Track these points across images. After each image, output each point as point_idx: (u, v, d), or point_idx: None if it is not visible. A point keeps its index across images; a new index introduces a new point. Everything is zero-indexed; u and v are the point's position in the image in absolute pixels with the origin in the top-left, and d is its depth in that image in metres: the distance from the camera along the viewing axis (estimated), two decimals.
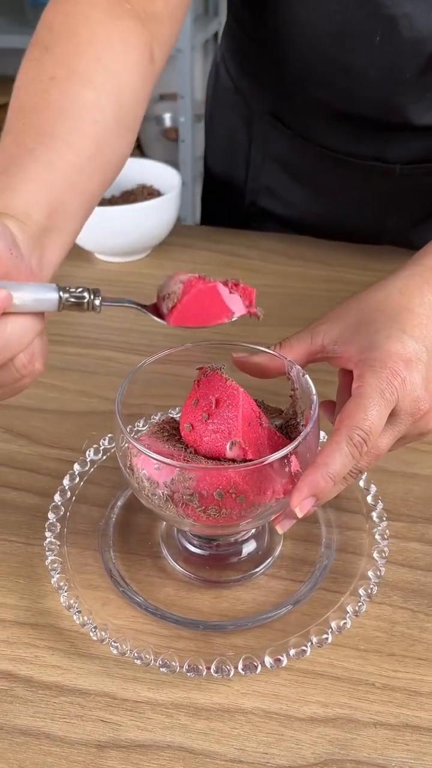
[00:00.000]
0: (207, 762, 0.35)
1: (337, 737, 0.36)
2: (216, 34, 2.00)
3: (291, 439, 0.41)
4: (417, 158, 0.66)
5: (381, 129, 0.65)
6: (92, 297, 0.38)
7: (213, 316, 0.40)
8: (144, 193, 0.78)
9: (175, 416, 0.49)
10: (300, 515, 0.36)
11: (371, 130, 0.65)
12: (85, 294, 0.38)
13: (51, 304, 0.36)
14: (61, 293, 0.37)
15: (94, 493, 0.48)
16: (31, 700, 0.38)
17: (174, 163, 1.88)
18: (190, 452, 0.40)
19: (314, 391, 0.39)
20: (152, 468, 0.39)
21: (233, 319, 0.40)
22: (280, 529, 0.40)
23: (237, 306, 0.40)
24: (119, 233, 0.73)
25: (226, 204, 0.85)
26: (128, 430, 0.41)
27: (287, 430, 0.42)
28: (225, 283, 0.41)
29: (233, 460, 0.39)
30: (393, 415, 0.37)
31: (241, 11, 0.70)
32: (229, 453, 0.39)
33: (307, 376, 0.40)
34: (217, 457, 0.39)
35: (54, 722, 0.37)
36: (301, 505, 0.36)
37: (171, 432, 0.43)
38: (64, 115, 0.43)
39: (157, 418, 0.51)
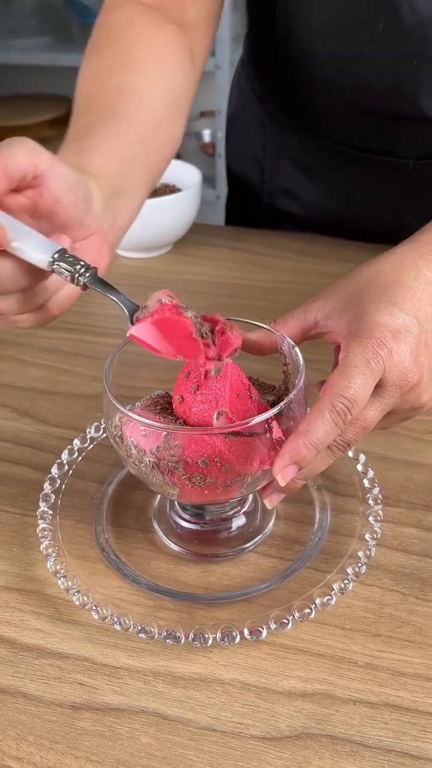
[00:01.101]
0: (179, 728, 0.35)
1: (314, 712, 0.35)
2: None
3: (283, 414, 0.41)
4: (429, 153, 0.66)
5: (393, 122, 0.64)
6: (81, 272, 0.38)
7: (168, 348, 0.38)
8: (167, 191, 0.80)
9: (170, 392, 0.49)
10: (282, 483, 0.36)
11: (383, 124, 0.65)
12: (74, 268, 0.38)
13: (41, 263, 0.37)
14: (55, 256, 0.37)
15: (92, 470, 0.49)
16: (12, 661, 0.38)
17: (211, 177, 1.91)
18: (180, 423, 0.40)
19: (301, 361, 0.39)
20: (139, 435, 0.39)
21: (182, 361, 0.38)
22: (269, 504, 0.40)
23: (195, 351, 0.37)
24: (140, 228, 0.74)
25: (246, 205, 0.85)
26: (128, 408, 0.42)
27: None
28: (214, 323, 0.39)
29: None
30: (380, 387, 0.37)
31: (252, 11, 0.72)
32: (216, 423, 0.39)
33: (296, 348, 0.40)
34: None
35: (32, 682, 0.37)
36: (283, 473, 0.35)
37: (164, 406, 0.43)
38: (124, 97, 0.50)
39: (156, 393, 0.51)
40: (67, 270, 0.38)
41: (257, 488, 0.40)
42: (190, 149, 2.01)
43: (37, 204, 0.39)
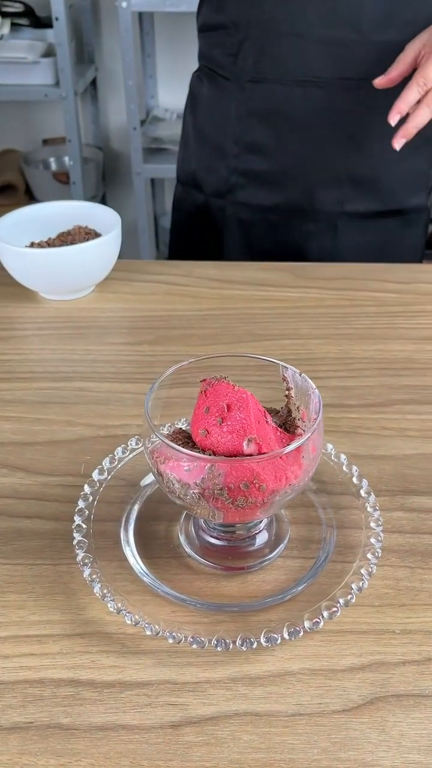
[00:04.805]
0: (272, 720, 0.40)
1: (376, 679, 0.42)
2: (94, 81, 2.07)
3: (291, 434, 0.47)
4: (372, 74, 0.81)
5: (341, 45, 0.83)
6: None
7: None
8: (81, 233, 0.82)
9: (182, 427, 0.53)
10: (413, 130, 0.73)
11: (336, 49, 0.83)
12: None
13: None
14: None
15: (107, 511, 0.51)
16: (99, 699, 0.41)
17: None
18: (209, 455, 0.45)
19: (314, 385, 0.46)
20: (182, 471, 0.43)
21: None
22: (397, 145, 0.71)
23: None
24: (65, 274, 0.77)
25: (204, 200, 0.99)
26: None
27: (286, 426, 0.48)
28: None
29: (250, 455, 0.44)
30: None
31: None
32: (247, 449, 0.44)
33: (304, 375, 0.46)
34: (235, 455, 0.44)
35: (126, 714, 0.40)
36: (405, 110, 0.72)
37: (184, 440, 0.47)
38: None
39: (165, 429, 0.54)
40: None
41: (284, 505, 0.46)
42: (40, 179, 2.00)
43: None
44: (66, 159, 1.97)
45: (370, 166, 0.91)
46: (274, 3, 0.83)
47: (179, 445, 0.47)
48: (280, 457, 0.44)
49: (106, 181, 2.21)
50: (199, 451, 0.45)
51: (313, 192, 0.92)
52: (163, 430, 0.54)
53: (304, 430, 0.47)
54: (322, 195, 0.93)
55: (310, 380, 0.46)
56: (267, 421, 0.46)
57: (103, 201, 2.18)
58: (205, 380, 0.47)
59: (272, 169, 0.92)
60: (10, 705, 0.40)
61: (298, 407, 0.48)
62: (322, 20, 0.82)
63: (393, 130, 0.76)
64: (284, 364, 0.48)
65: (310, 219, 0.94)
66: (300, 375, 0.47)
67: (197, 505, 0.43)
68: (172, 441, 0.47)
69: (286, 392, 0.48)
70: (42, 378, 0.67)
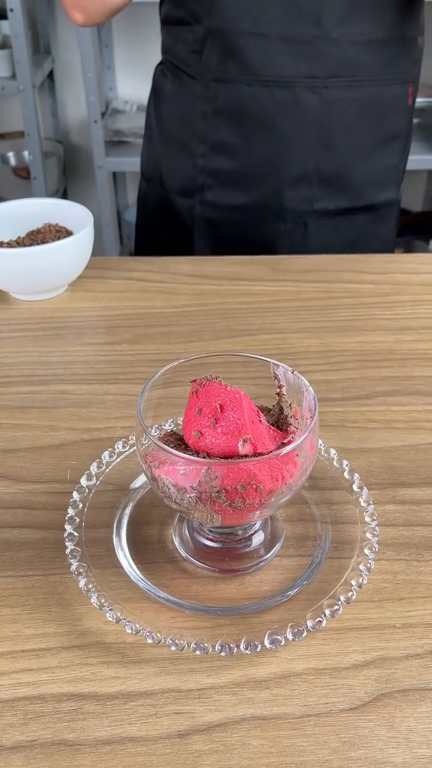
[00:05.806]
0: (280, 723, 0.39)
1: (381, 675, 0.41)
2: (51, 73, 2.03)
3: (283, 432, 0.47)
4: (336, 71, 0.82)
5: (306, 46, 0.82)
6: None
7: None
8: (52, 231, 0.80)
9: (169, 429, 0.52)
10: None
11: (299, 48, 0.82)
12: None
13: None
14: None
15: (98, 517, 0.50)
16: (103, 712, 0.40)
17: None
18: (203, 457, 0.44)
19: (307, 382, 0.45)
20: (178, 475, 0.42)
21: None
22: None
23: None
24: (37, 274, 0.75)
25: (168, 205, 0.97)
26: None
27: (278, 424, 0.47)
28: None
29: (245, 456, 0.43)
30: None
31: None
32: (242, 450, 0.43)
33: (296, 372, 0.46)
34: (230, 456, 0.44)
35: (131, 726, 0.39)
36: None
37: (176, 443, 0.46)
38: None
39: (152, 432, 0.53)
40: None
41: (281, 506, 0.45)
42: (0, 174, 1.96)
43: None
44: (26, 153, 1.93)
45: (338, 164, 0.90)
46: (234, 0, 0.82)
47: (171, 448, 0.46)
48: (276, 457, 0.43)
49: (67, 175, 2.17)
50: (192, 454, 0.44)
51: (282, 191, 0.91)
52: (151, 432, 0.53)
53: (296, 428, 0.46)
54: (291, 194, 0.92)
55: (303, 378, 0.46)
56: (260, 421, 0.45)
57: (65, 195, 2.14)
58: (195, 381, 0.46)
59: (240, 169, 0.91)
60: (11, 723, 0.39)
61: (290, 405, 0.47)
62: (284, 18, 0.81)
63: (361, 127, 0.75)
64: (275, 362, 0.47)
65: (279, 218, 0.93)
66: (292, 372, 0.46)
67: (194, 508, 0.43)
68: (165, 444, 0.47)
69: (278, 390, 0.48)
70: (19, 382, 0.66)
